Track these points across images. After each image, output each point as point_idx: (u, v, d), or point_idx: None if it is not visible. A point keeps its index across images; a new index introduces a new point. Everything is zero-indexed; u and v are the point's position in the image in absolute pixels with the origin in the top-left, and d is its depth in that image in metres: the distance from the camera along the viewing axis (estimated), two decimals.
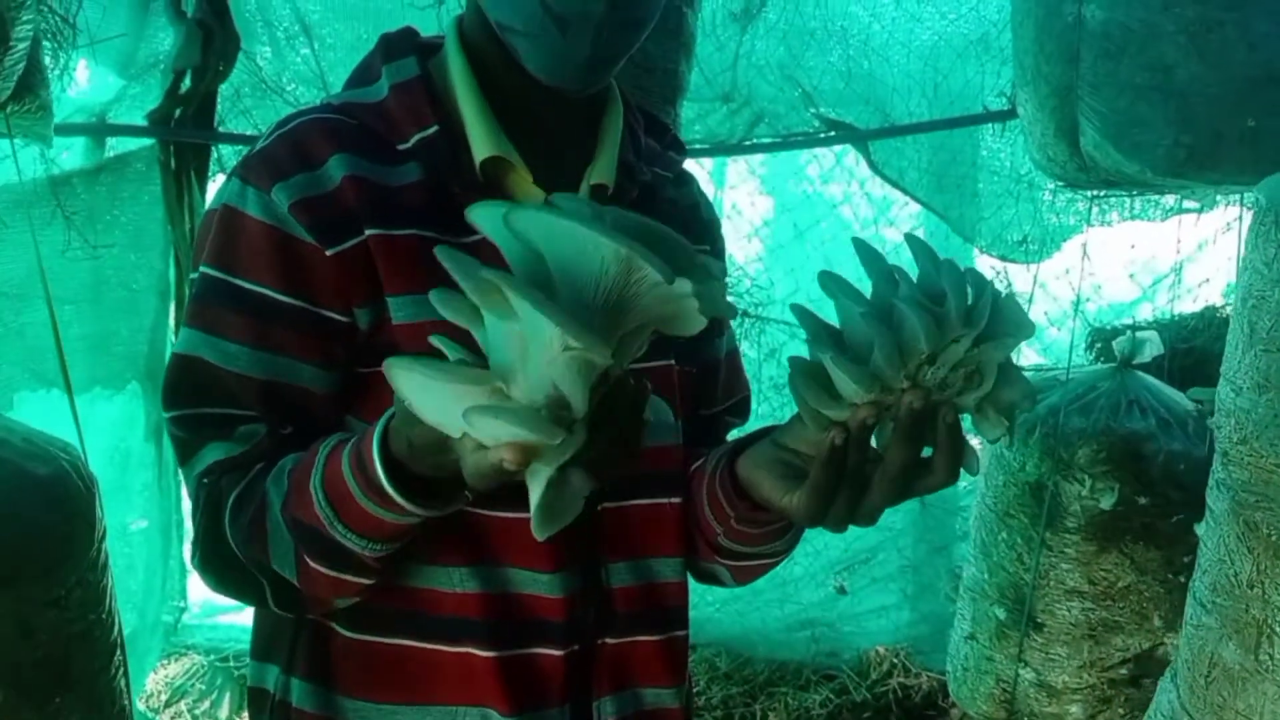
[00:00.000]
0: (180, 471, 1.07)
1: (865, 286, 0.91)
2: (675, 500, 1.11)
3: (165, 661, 3.47)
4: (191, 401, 1.02)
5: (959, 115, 3.22)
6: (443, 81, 1.07)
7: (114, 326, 2.71)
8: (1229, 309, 3.35)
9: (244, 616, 4.04)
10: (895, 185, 3.39)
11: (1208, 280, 3.36)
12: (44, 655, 1.27)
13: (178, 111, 2.71)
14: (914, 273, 0.91)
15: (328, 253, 0.99)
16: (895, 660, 3.52)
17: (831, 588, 3.79)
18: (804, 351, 0.90)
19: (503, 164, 1.05)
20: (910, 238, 0.92)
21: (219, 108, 2.82)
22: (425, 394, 0.76)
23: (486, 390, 0.72)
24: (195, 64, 2.61)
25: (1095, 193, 2.58)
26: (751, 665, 3.61)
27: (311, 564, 0.96)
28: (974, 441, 0.91)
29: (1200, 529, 1.77)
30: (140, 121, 2.67)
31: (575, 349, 0.69)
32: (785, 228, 3.46)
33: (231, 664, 3.46)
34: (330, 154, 1.01)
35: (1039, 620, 2.23)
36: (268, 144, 1.04)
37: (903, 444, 0.86)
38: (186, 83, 2.68)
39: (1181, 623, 1.76)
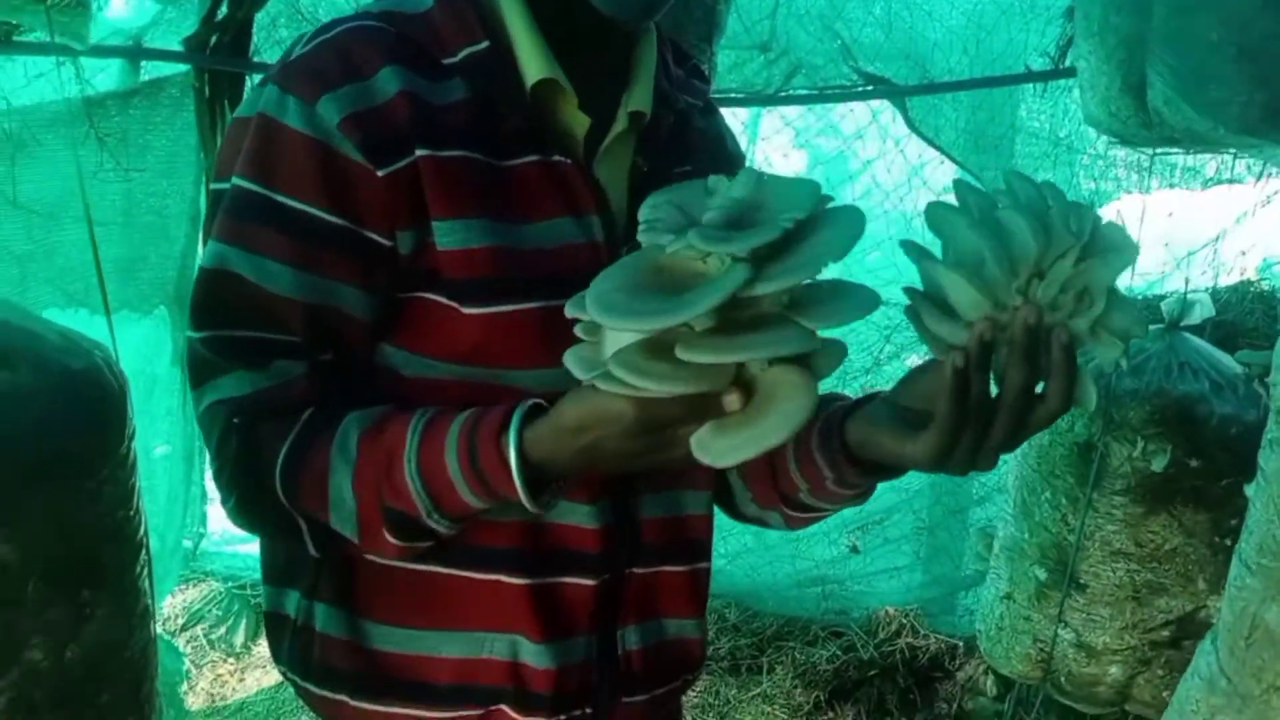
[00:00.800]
0: (191, 393, 1.02)
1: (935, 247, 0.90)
2: None
3: (183, 586, 3.53)
4: (227, 322, 0.97)
5: (1000, 74, 3.16)
6: None
7: (143, 251, 2.71)
8: (1264, 283, 3.32)
9: (255, 545, 4.10)
10: (931, 143, 3.34)
11: (1244, 253, 3.32)
12: (76, 547, 1.28)
13: (213, 38, 2.68)
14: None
15: (379, 173, 0.95)
16: (904, 621, 3.53)
17: (844, 546, 3.80)
18: None
19: (551, 87, 1.02)
20: (1011, 172, 0.91)
21: (254, 36, 2.79)
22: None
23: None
24: None
25: (1154, 151, 2.53)
26: (760, 619, 3.64)
27: (388, 536, 0.96)
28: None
29: (1250, 489, 1.74)
30: (176, 47, 2.65)
31: None
32: (821, 182, 3.41)
33: (249, 591, 3.51)
34: (381, 65, 0.97)
35: (1081, 581, 2.23)
36: (310, 50, 0.98)
37: (1019, 365, 0.84)
38: (223, 9, 2.65)
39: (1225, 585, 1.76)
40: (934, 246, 0.90)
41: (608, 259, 0.99)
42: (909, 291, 0.89)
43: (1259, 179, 2.97)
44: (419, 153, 0.96)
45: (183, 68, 2.71)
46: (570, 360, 0.85)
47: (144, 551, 1.35)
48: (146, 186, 2.64)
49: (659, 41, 1.11)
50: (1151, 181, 3.25)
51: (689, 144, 1.13)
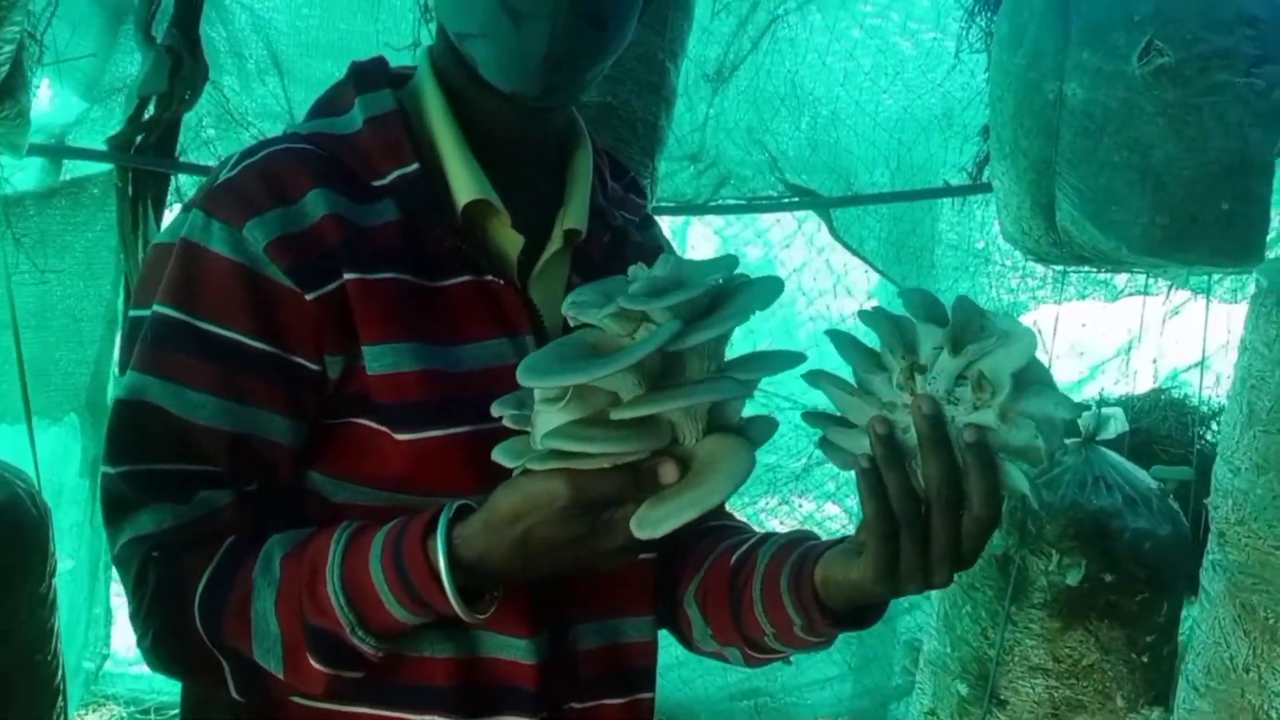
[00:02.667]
0: (106, 530, 0.97)
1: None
2: (650, 556, 1.07)
3: (82, 711, 3.31)
4: (146, 455, 0.93)
5: (921, 188, 3.28)
6: (417, 116, 1.02)
7: (56, 355, 2.61)
8: (1174, 392, 3.44)
9: None
10: (855, 253, 3.44)
11: (1155, 362, 3.44)
12: None
13: (139, 138, 2.64)
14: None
15: (307, 297, 0.93)
16: None
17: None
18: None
19: (483, 207, 1.00)
20: (909, 290, 0.91)
21: (180, 137, 2.76)
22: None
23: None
24: (161, 91, 2.56)
25: (1065, 268, 2.62)
26: None
27: (313, 663, 0.90)
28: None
29: (1193, 610, 1.76)
30: (100, 146, 2.60)
31: None
32: None
33: (153, 717, 3.31)
34: (308, 188, 0.95)
35: (1002, 697, 2.22)
36: (235, 175, 0.96)
37: (931, 456, 0.83)
38: (150, 109, 2.62)
39: (1147, 704, 1.75)
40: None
41: None
42: (807, 416, 0.89)
43: (1168, 292, 3.10)
44: (347, 276, 0.94)
45: (105, 167, 2.66)
46: (500, 453, 0.84)
47: (60, 699, 1.25)
48: (63, 288, 2.57)
49: (595, 154, 1.11)
50: (1065, 292, 3.37)
51: (625, 259, 1.12)
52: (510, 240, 1.02)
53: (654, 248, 1.19)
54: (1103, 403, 2.73)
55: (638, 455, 0.81)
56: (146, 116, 2.61)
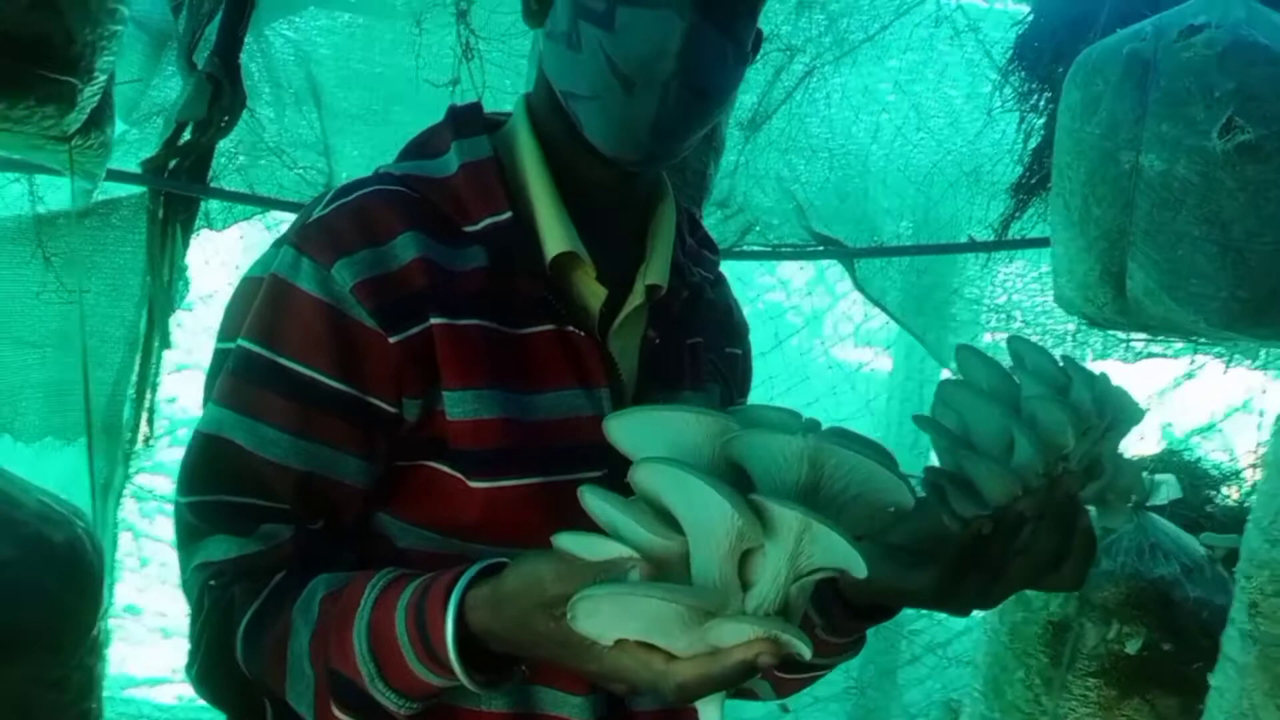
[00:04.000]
0: (178, 554, 0.97)
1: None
2: None
3: None
4: (215, 488, 0.94)
5: (945, 242, 3.29)
6: (510, 163, 1.02)
7: (77, 375, 2.57)
8: (1185, 454, 3.45)
9: (158, 692, 3.80)
10: (877, 304, 3.44)
11: (1169, 424, 3.45)
12: None
13: (173, 162, 2.63)
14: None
15: (391, 339, 0.93)
16: None
17: (775, 706, 3.71)
18: None
19: (571, 259, 1.00)
20: (1016, 339, 0.93)
21: (214, 163, 2.75)
22: (619, 612, 0.72)
23: (688, 606, 0.71)
24: (200, 117, 2.55)
25: (1130, 335, 2.63)
26: None
27: (336, 711, 0.88)
28: None
29: (1214, 678, 1.75)
30: (134, 168, 2.58)
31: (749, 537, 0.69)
32: (766, 336, 3.48)
33: None
34: (400, 231, 0.95)
35: None
36: (328, 213, 0.96)
37: (1052, 535, 0.87)
38: (187, 134, 2.60)
39: None
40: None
41: None
42: (933, 472, 0.89)
43: (1192, 357, 3.12)
44: (433, 320, 0.94)
45: (138, 189, 2.64)
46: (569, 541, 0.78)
47: None
48: (87, 309, 2.53)
49: (676, 211, 1.11)
50: (1084, 353, 3.38)
51: (700, 316, 1.12)
52: (594, 292, 1.01)
53: (725, 305, 1.19)
54: (1155, 469, 2.73)
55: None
56: (182, 141, 2.60)
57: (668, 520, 0.73)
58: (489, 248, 0.98)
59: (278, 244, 0.99)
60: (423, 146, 1.04)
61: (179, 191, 2.64)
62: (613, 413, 0.79)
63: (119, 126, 2.57)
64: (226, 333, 0.99)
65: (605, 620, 0.73)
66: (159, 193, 2.61)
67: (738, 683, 0.72)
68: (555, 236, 0.99)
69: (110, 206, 2.58)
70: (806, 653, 0.70)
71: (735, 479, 0.72)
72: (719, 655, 0.71)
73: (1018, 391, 0.88)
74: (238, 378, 0.95)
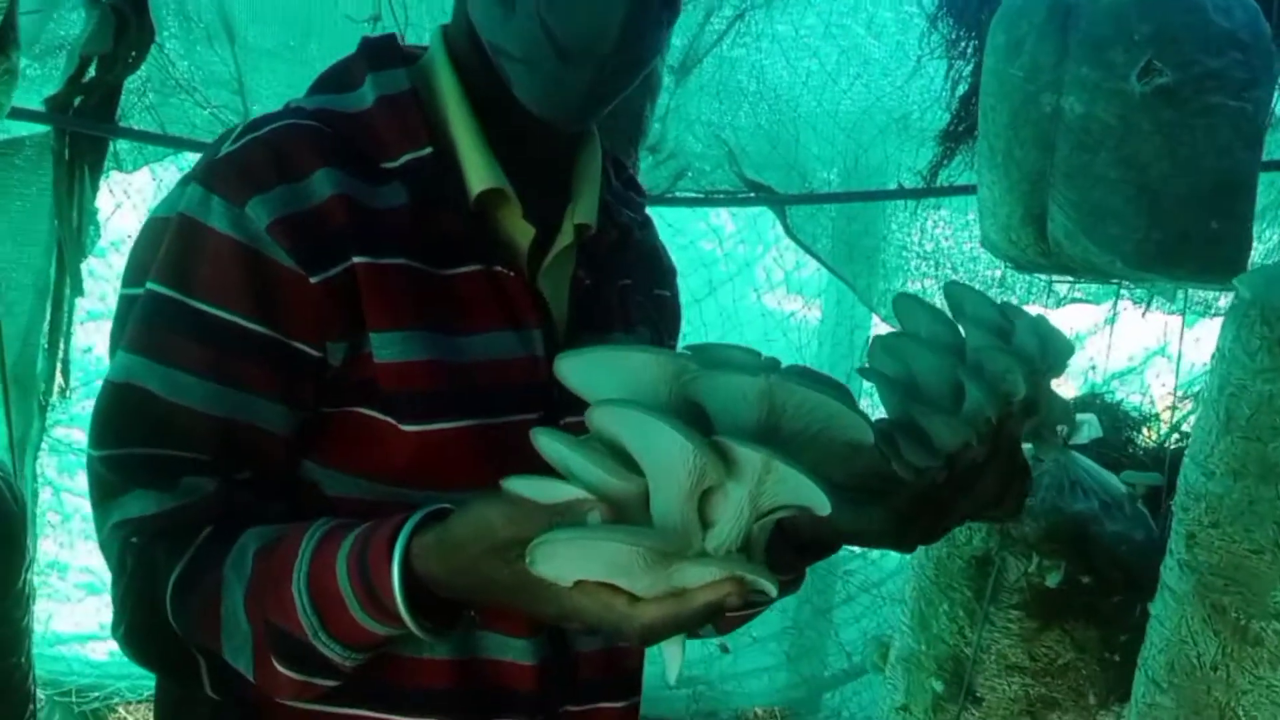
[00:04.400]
0: (93, 513, 0.94)
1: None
2: None
3: None
4: (129, 439, 0.90)
5: (875, 189, 3.30)
6: (428, 98, 0.99)
7: None
8: (1108, 396, 3.54)
9: (89, 648, 3.73)
10: (808, 250, 3.45)
11: (1092, 367, 3.53)
12: None
13: (78, 100, 2.52)
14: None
15: (311, 279, 0.89)
16: None
17: (714, 645, 3.77)
18: None
19: (496, 196, 0.98)
20: (954, 284, 0.94)
21: (122, 101, 2.64)
22: (580, 556, 0.71)
23: (650, 548, 0.70)
24: (105, 51, 2.45)
25: (1052, 278, 2.67)
26: None
27: (278, 666, 0.86)
28: None
29: (1154, 607, 1.82)
30: (37, 106, 2.47)
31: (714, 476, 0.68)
32: (699, 282, 3.47)
33: (73, 699, 3.18)
34: (316, 167, 0.91)
35: (978, 694, 2.27)
36: (238, 149, 0.92)
37: (997, 474, 0.89)
38: (92, 71, 2.50)
39: (1117, 701, 1.79)
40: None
41: (546, 373, 0.95)
42: (883, 424, 0.89)
43: (1114, 302, 3.19)
44: (355, 260, 0.91)
45: (41, 128, 2.53)
46: (519, 484, 0.76)
47: (31, 702, 1.17)
48: None
49: (602, 153, 1.09)
50: (1008, 297, 3.43)
51: (629, 258, 1.11)
52: (521, 231, 0.99)
53: (652, 247, 1.18)
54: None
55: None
56: (87, 78, 2.50)
57: (625, 461, 0.72)
58: (410, 185, 0.95)
59: (184, 182, 0.94)
60: (336, 80, 1.00)
61: (85, 131, 2.54)
62: (564, 352, 0.77)
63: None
64: (132, 277, 0.95)
65: (564, 563, 0.71)
66: (64, 132, 2.50)
67: (704, 623, 0.72)
68: (479, 172, 0.96)
69: (12, 147, 2.47)
70: (772, 590, 0.70)
71: (694, 419, 0.71)
72: (685, 596, 0.70)
73: (961, 339, 0.88)
74: (148, 323, 0.91)
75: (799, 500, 0.69)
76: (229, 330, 0.89)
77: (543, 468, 0.75)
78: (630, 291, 1.09)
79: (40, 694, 3.16)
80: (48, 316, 2.57)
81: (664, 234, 1.20)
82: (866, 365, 0.91)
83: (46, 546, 3.23)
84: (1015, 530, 2.20)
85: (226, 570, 0.86)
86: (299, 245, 0.89)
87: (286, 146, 0.92)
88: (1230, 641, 1.66)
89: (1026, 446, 0.92)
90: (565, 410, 0.95)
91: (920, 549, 2.53)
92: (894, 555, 3.28)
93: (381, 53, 1.00)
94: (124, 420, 0.90)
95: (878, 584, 3.62)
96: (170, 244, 0.91)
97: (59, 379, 2.68)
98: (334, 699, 0.91)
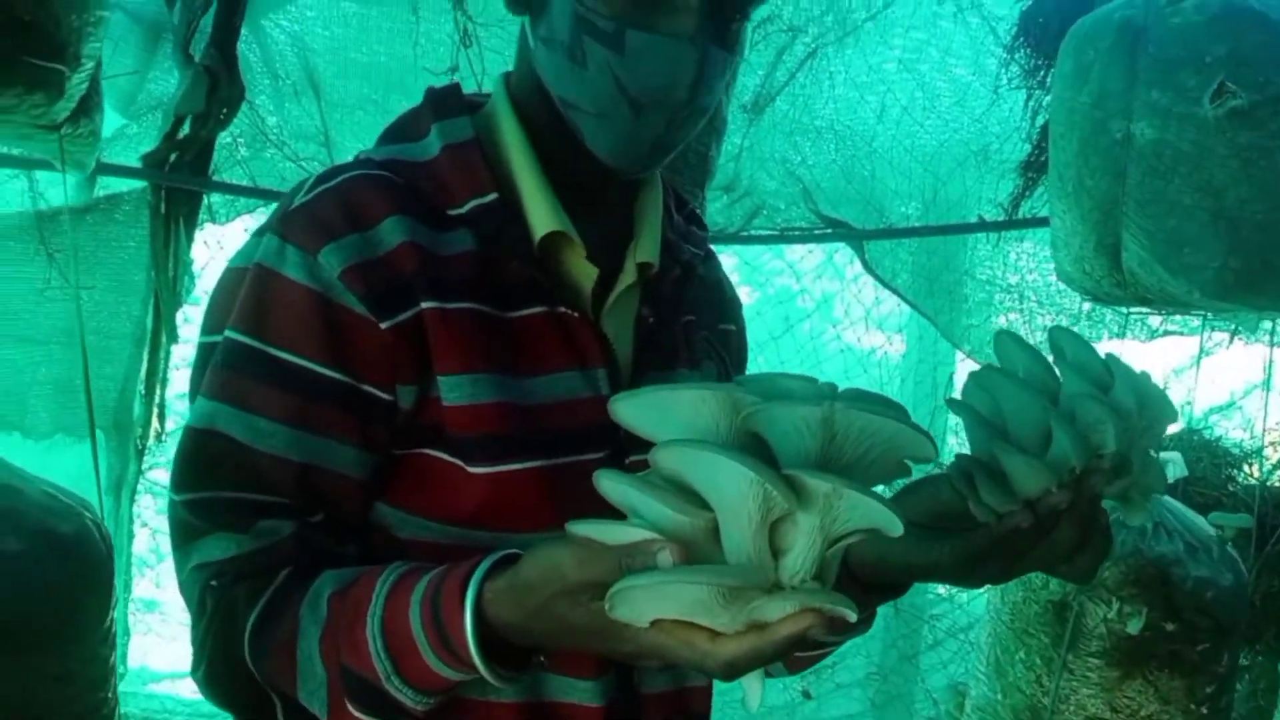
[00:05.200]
0: (174, 556, 0.96)
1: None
2: None
3: None
4: (211, 484, 0.91)
5: (955, 222, 3.25)
6: (492, 146, 1.01)
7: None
8: (1206, 433, 3.40)
9: (180, 686, 3.83)
10: (887, 286, 3.41)
11: (1188, 403, 3.40)
12: None
13: (173, 156, 2.64)
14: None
15: (382, 325, 0.91)
16: None
17: (797, 691, 3.70)
18: None
19: (559, 239, 0.99)
20: (1058, 330, 0.90)
21: (215, 156, 2.76)
22: (658, 598, 0.71)
23: (727, 586, 0.70)
24: (198, 110, 2.55)
25: (1130, 310, 2.59)
26: None
27: (352, 709, 0.86)
28: None
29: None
30: (134, 163, 2.59)
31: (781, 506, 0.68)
32: (776, 320, 3.46)
33: None
34: (385, 215, 0.93)
35: None
36: (311, 199, 0.94)
37: (1074, 528, 0.85)
38: (186, 128, 2.61)
39: None
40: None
41: None
42: (964, 461, 0.87)
43: (1208, 334, 3.07)
44: (424, 305, 0.92)
45: (139, 184, 2.65)
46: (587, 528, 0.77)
47: None
48: (92, 305, 2.55)
49: (663, 190, 1.09)
50: (1099, 331, 3.33)
51: (693, 294, 1.11)
52: (585, 272, 0.99)
53: (715, 281, 1.18)
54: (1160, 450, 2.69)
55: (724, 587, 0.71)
56: (182, 135, 2.61)
57: (690, 498, 0.72)
58: (475, 230, 0.96)
59: (259, 233, 0.97)
60: (403, 130, 1.02)
61: (180, 185, 2.65)
62: (619, 394, 0.77)
63: (118, 120, 2.59)
64: (211, 325, 0.97)
65: (643, 606, 0.71)
66: (160, 187, 2.61)
67: (787, 655, 0.71)
68: (542, 216, 0.98)
69: (112, 202, 2.59)
70: (852, 615, 0.69)
71: (756, 451, 0.70)
72: (766, 630, 0.70)
73: (1057, 384, 0.86)
74: (227, 369, 0.93)
75: (870, 523, 0.69)
76: (304, 376, 0.91)
77: (611, 508, 0.75)
78: (694, 327, 1.09)
79: None
80: (145, 363, 2.68)
81: (741, 272, 1.18)
82: (957, 398, 0.89)
83: (143, 585, 3.34)
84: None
85: (303, 613, 0.87)
86: (370, 292, 0.91)
87: (357, 196, 0.94)
88: None
89: (1112, 505, 0.89)
90: (632, 448, 0.94)
91: (997, 595, 2.47)
92: (981, 600, 3.20)
93: (446, 102, 1.02)
94: (204, 465, 0.92)
95: (965, 629, 3.52)
96: (247, 292, 0.93)
97: (155, 423, 2.78)
98: None
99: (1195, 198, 1.64)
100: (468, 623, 0.79)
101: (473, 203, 0.97)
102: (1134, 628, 2.09)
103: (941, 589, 3.54)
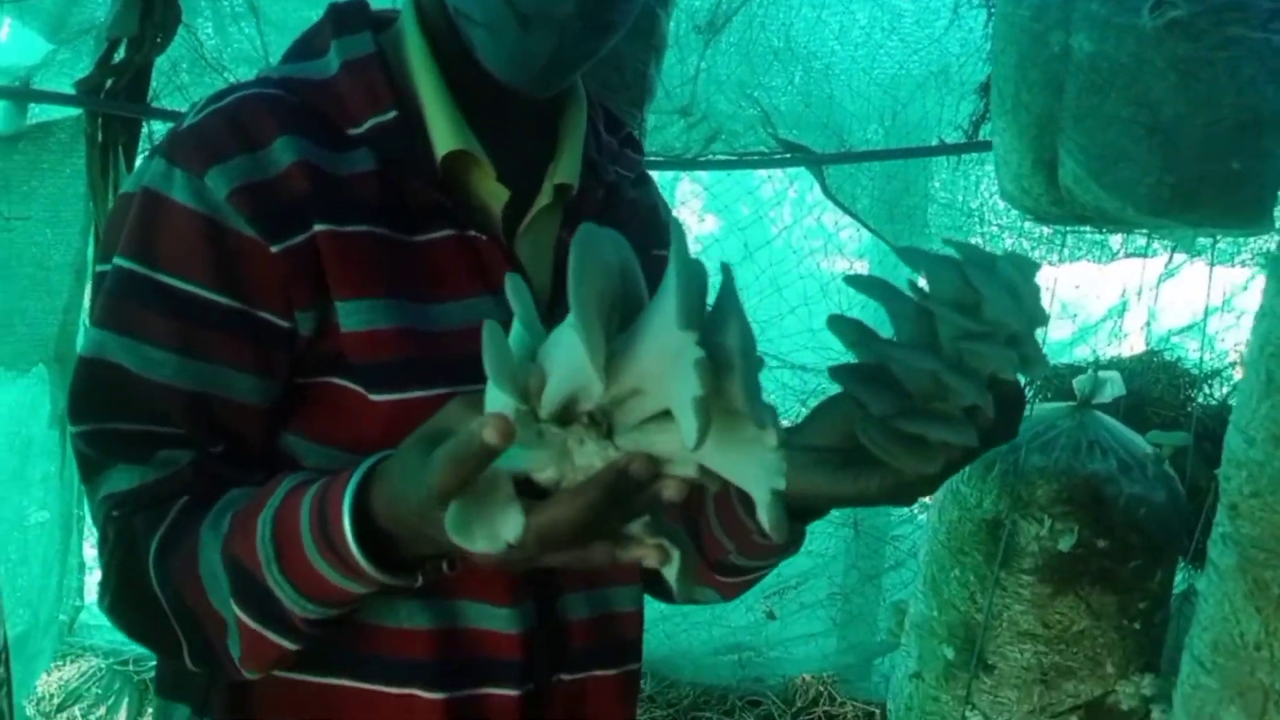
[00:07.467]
0: (84, 488, 0.95)
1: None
2: None
3: (59, 663, 3.29)
4: (104, 414, 0.90)
5: (915, 145, 3.21)
6: (398, 62, 0.97)
7: (23, 305, 2.55)
8: (1166, 354, 3.41)
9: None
10: (847, 211, 3.37)
11: (1148, 324, 3.40)
12: None
13: (109, 82, 2.56)
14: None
15: (272, 249, 0.89)
16: (821, 689, 3.50)
17: (761, 612, 3.75)
18: None
19: (465, 159, 0.96)
20: (904, 251, 0.87)
21: (153, 82, 2.68)
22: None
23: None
24: (132, 33, 2.48)
25: (1063, 229, 2.57)
26: (677, 689, 3.56)
27: (238, 610, 0.85)
28: None
29: (1199, 583, 1.73)
30: (68, 89, 2.52)
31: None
32: (735, 247, 3.42)
33: (131, 668, 3.29)
34: (276, 135, 0.91)
35: (989, 662, 2.20)
36: (200, 120, 0.92)
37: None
38: (120, 52, 2.54)
39: (1138, 671, 1.72)
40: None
41: None
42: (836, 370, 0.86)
43: (1170, 255, 3.05)
44: (317, 228, 0.90)
45: (74, 112, 2.58)
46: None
47: (3, 667, 1.19)
48: (28, 236, 2.50)
49: (589, 108, 1.06)
50: (1059, 254, 3.31)
51: (619, 217, 1.08)
52: (495, 194, 0.97)
53: (649, 205, 1.15)
54: (1098, 365, 2.69)
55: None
56: (116, 60, 2.53)
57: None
58: (375, 150, 0.93)
59: (150, 155, 0.95)
60: (303, 47, 0.99)
61: (117, 112, 2.57)
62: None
63: (46, 46, 2.51)
64: (102, 253, 0.95)
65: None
66: (95, 114, 2.54)
67: (636, 506, 0.69)
68: (445, 134, 0.95)
69: (45, 130, 2.52)
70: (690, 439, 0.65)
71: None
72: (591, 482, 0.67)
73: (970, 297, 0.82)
74: (116, 298, 0.91)
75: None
76: (194, 302, 0.89)
77: None
78: None
79: (101, 663, 3.29)
80: (86, 295, 2.63)
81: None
82: (839, 366, 0.86)
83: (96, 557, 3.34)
84: (1027, 492, 2.11)
85: (204, 530, 0.86)
86: (259, 214, 0.88)
87: (247, 115, 0.91)
88: (1273, 619, 1.57)
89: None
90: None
91: (935, 514, 2.48)
92: None
93: (347, 17, 0.98)
94: (98, 395, 0.90)
95: None
96: (134, 217, 0.91)
97: None
98: (313, 668, 0.92)
99: (1131, 111, 1.61)
100: (345, 515, 0.78)
101: (372, 121, 0.94)
102: (1065, 545, 2.10)
103: (896, 513, 3.57)
